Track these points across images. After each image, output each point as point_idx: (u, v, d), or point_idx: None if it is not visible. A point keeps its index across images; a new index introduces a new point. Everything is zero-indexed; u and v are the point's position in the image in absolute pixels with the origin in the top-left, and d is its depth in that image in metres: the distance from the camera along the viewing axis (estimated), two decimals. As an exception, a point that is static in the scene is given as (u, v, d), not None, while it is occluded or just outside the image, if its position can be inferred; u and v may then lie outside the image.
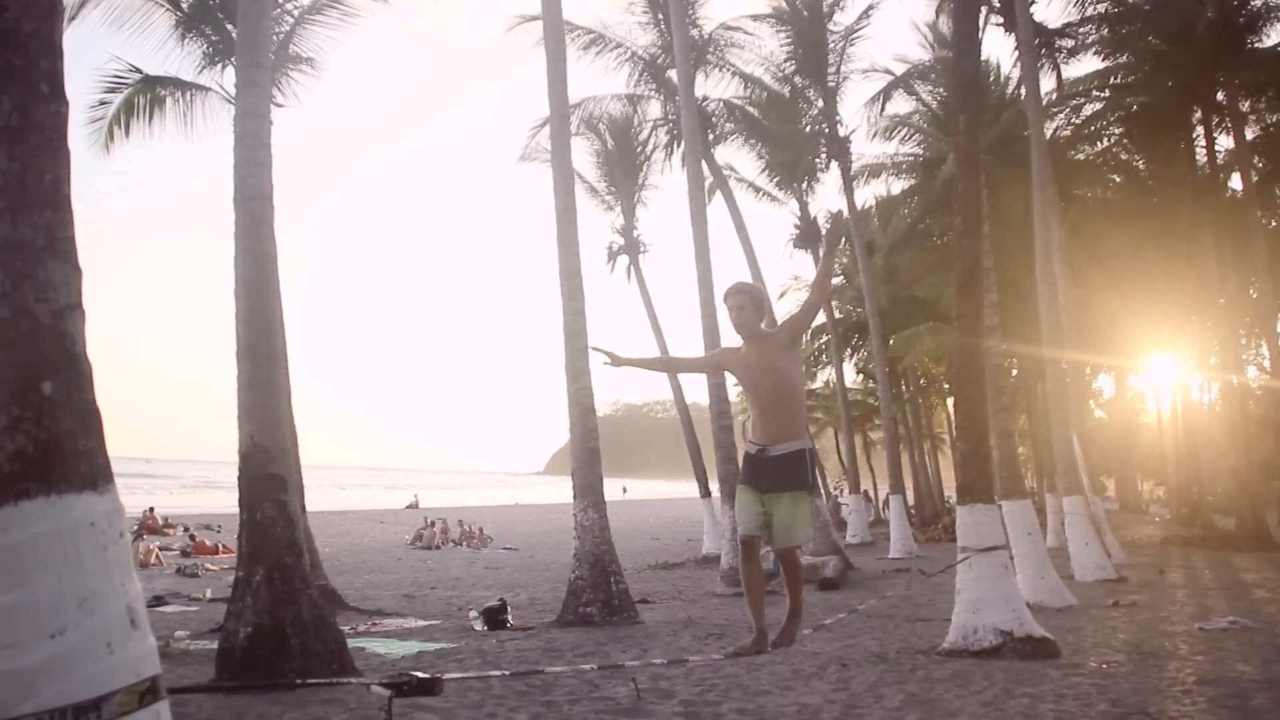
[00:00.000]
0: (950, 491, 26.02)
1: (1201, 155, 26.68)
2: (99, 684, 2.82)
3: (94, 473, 2.99)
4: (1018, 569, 11.88)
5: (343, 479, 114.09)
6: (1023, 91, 21.59)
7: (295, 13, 16.28)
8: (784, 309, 41.21)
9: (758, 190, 29.73)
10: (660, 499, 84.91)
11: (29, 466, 2.84)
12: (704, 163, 21.08)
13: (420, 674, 5.46)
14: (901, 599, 14.13)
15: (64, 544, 2.85)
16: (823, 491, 30.73)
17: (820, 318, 34.63)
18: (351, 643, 9.07)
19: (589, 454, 12.69)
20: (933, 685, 7.50)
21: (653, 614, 12.64)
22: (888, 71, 27.34)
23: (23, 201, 2.96)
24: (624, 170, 28.17)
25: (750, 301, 6.00)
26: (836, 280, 39.58)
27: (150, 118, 16.53)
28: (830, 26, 26.29)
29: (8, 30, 2.98)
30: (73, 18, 15.11)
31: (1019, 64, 20.96)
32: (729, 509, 16.60)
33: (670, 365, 6.32)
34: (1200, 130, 26.21)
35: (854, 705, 6.85)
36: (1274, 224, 30.00)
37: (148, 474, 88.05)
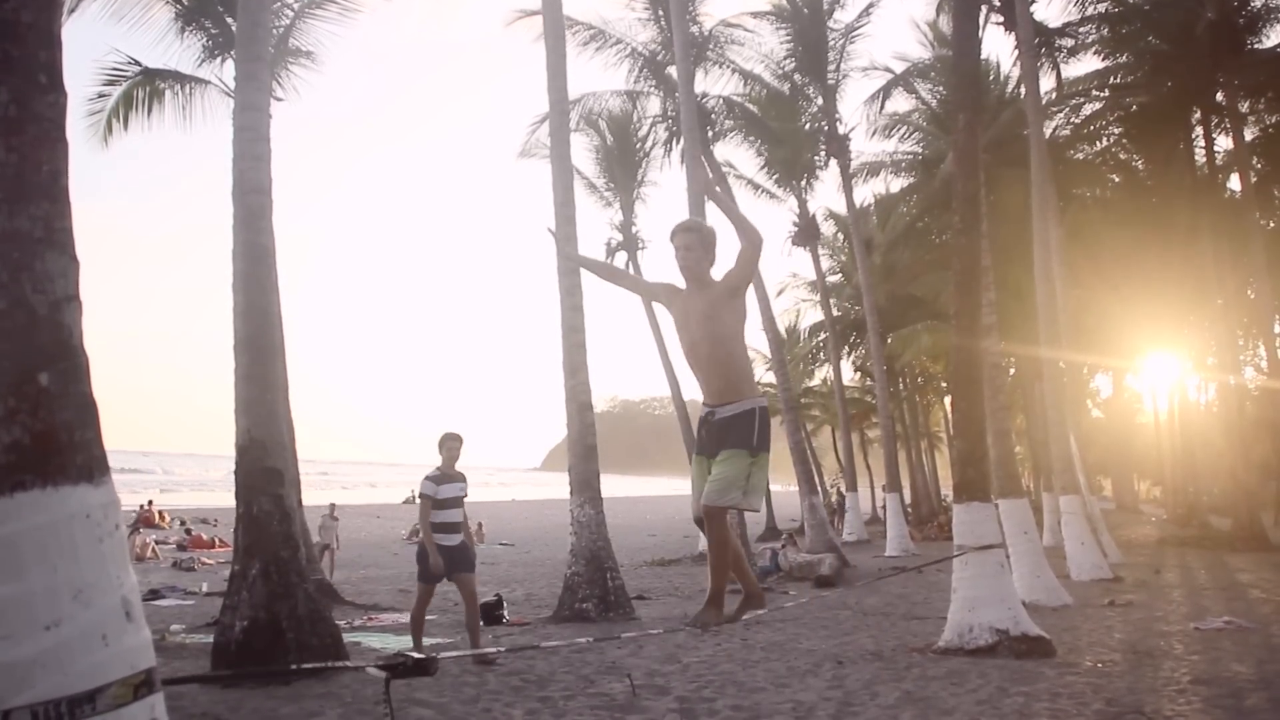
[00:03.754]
0: (947, 490, 26.03)
1: (1200, 156, 26.67)
2: (94, 676, 2.82)
3: (90, 465, 2.98)
4: (1014, 568, 11.89)
5: (340, 473, 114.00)
6: (1022, 90, 21.59)
7: (295, 6, 16.29)
8: (781, 307, 41.23)
9: (757, 187, 29.78)
10: (657, 495, 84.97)
11: (25, 458, 2.83)
12: (703, 159, 21.08)
13: (416, 654, 5.46)
14: (897, 597, 14.13)
15: (60, 536, 2.84)
16: (821, 489, 30.78)
17: (818, 314, 34.69)
18: (347, 637, 9.08)
19: (586, 450, 12.70)
20: (928, 683, 7.50)
21: (649, 610, 12.66)
22: (887, 69, 27.38)
23: (20, 193, 2.95)
24: (623, 166, 28.17)
25: (699, 242, 5.29)
26: (834, 279, 39.59)
27: (149, 111, 16.51)
28: (830, 24, 26.34)
29: (6, 21, 2.97)
30: (72, 10, 15.07)
31: (1019, 63, 20.97)
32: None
33: (611, 273, 5.74)
34: (1199, 131, 26.20)
35: (849, 703, 6.85)
36: (1272, 225, 29.98)
37: (142, 469, 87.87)
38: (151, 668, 3.02)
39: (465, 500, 8.81)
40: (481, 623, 11.24)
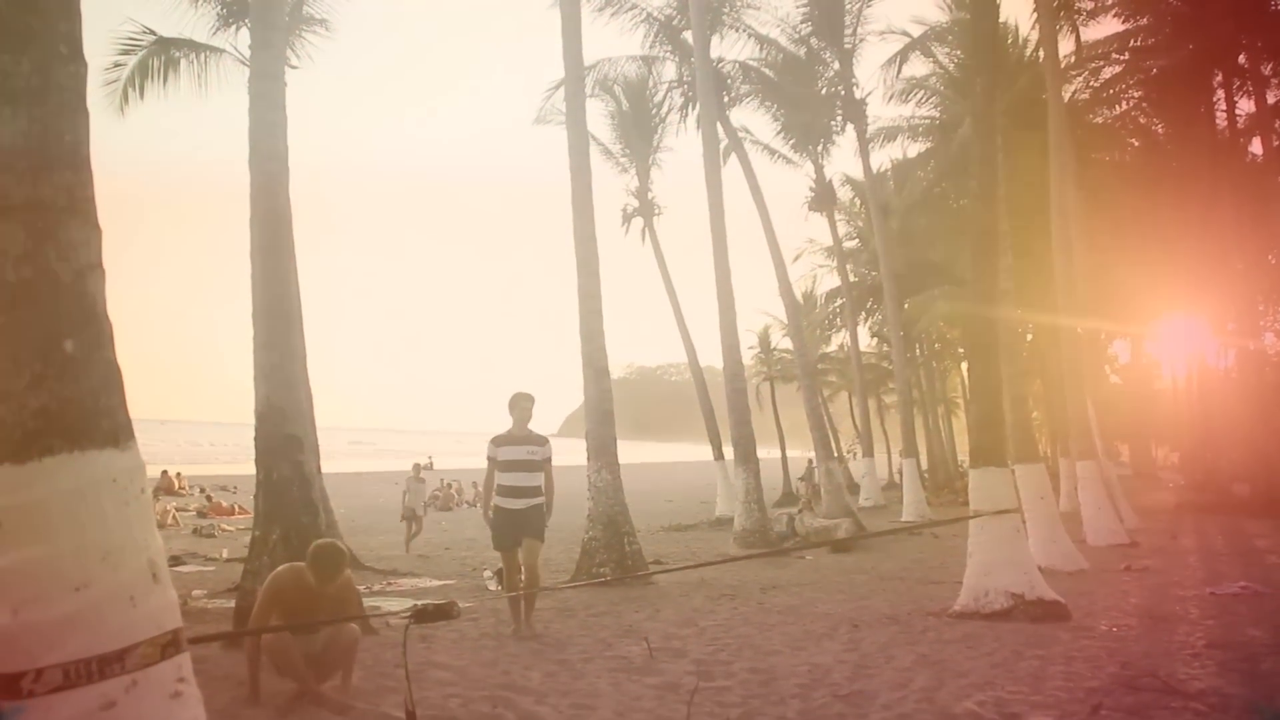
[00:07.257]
0: (964, 455, 26.01)
1: (1222, 119, 26.41)
2: (122, 636, 2.88)
3: (115, 430, 3.03)
4: (1030, 532, 11.90)
5: (358, 440, 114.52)
6: (1041, 54, 21.37)
7: (309, -26, 16.24)
8: (798, 272, 41.12)
9: (773, 152, 29.58)
10: (674, 461, 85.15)
11: (52, 424, 2.88)
12: (719, 125, 20.99)
13: (436, 601, 5.54)
14: (914, 561, 14.19)
15: (87, 499, 2.90)
16: (838, 454, 30.84)
17: (835, 280, 34.55)
18: (367, 601, 9.16)
19: (603, 415, 12.75)
20: (943, 646, 7.55)
21: (665, 574, 12.72)
22: (905, 33, 27.10)
23: (43, 163, 2.99)
24: (639, 132, 28.08)
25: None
26: (851, 244, 39.50)
27: (165, 79, 16.53)
28: (847, -13, 26.03)
29: (26, -9, 3.00)
30: (87, -22, 15.07)
31: (1037, 25, 20.74)
32: (742, 471, 16.68)
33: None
34: (1221, 94, 25.93)
35: (865, 665, 6.90)
36: (1294, 189, 29.70)
37: (162, 437, 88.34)
38: (178, 628, 3.08)
39: (546, 463, 8.61)
40: (500, 587, 11.36)
